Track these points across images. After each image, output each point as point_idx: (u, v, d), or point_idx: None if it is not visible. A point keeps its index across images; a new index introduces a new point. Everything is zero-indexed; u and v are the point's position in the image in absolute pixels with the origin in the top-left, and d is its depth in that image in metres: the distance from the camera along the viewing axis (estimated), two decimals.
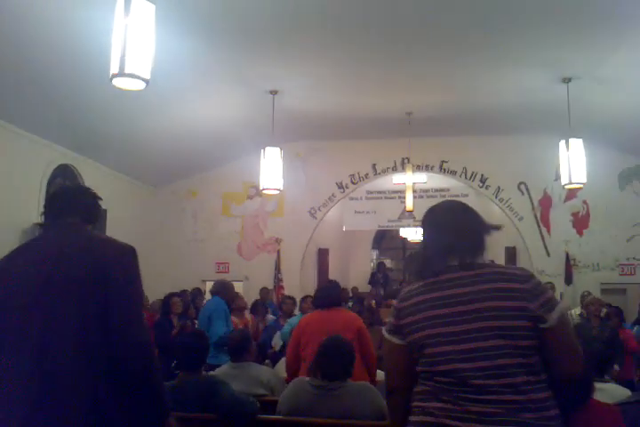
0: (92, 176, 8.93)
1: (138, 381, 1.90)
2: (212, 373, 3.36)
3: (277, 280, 10.42)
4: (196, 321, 7.41)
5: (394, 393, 2.04)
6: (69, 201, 2.21)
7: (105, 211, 8.85)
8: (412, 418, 1.90)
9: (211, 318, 5.75)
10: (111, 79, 3.98)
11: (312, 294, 9.27)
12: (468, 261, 1.95)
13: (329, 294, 4.47)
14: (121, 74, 3.92)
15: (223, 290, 6.05)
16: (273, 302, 9.28)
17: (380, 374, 4.68)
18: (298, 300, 8.47)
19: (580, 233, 9.95)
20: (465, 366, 1.80)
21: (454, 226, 2.03)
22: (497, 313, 1.82)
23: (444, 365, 1.84)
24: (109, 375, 1.87)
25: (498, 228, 2.08)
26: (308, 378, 3.11)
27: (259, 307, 7.85)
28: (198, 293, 8.84)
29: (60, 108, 6.97)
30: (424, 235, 2.12)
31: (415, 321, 1.93)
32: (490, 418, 1.74)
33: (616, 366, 6.02)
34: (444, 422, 1.80)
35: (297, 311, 7.48)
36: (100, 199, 2.33)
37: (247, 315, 7.29)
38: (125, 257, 2.03)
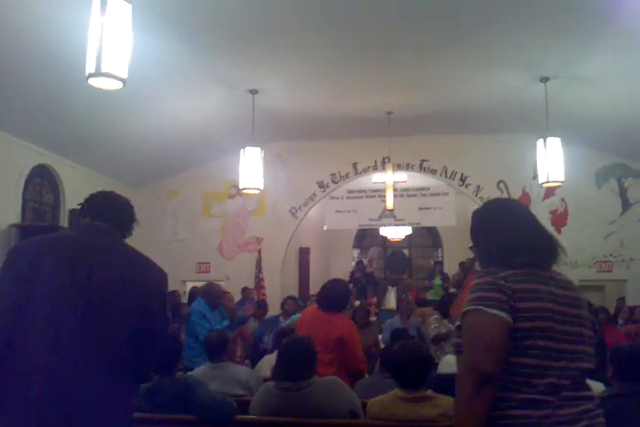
0: (71, 177, 8.85)
1: None
2: (189, 373, 3.35)
3: (258, 280, 10.40)
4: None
5: (489, 383, 1.75)
6: (105, 204, 2.27)
7: None
8: (509, 412, 1.78)
9: (189, 321, 5.75)
10: (87, 79, 3.94)
11: (292, 294, 9.29)
12: (550, 264, 2.00)
13: (334, 298, 4.18)
14: (97, 73, 3.88)
15: (206, 292, 6.02)
16: (253, 302, 9.26)
17: None
18: (279, 299, 8.49)
19: (558, 231, 10.05)
20: (572, 365, 1.85)
21: (537, 222, 2.07)
22: (584, 321, 1.93)
23: (557, 362, 1.83)
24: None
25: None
26: (273, 382, 3.11)
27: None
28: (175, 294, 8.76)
29: (37, 108, 6.90)
30: (502, 223, 2.03)
31: (537, 308, 1.84)
32: (591, 413, 1.84)
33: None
34: (551, 413, 1.78)
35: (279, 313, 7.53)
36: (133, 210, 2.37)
37: None
38: (164, 283, 2.21)
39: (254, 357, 6.48)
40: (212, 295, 5.93)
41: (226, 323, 5.76)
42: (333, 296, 4.19)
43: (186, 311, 7.27)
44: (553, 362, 1.80)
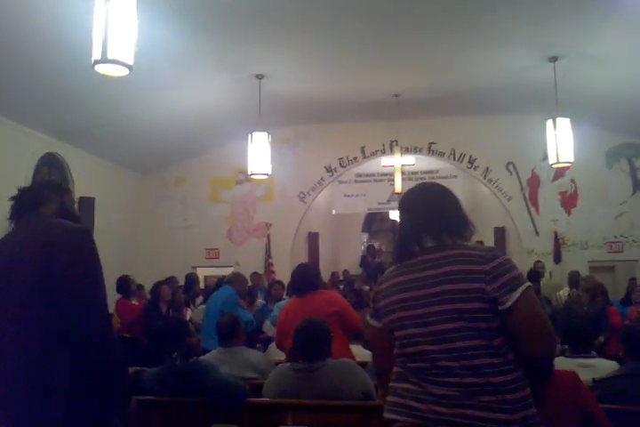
0: (79, 165, 8.87)
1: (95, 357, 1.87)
2: (201, 357, 3.38)
3: (268, 265, 10.45)
4: (190, 309, 7.41)
5: (380, 375, 2.13)
6: (29, 198, 2.17)
7: (92, 199, 8.81)
8: (387, 398, 1.96)
9: (223, 308, 5.60)
10: (93, 65, 3.94)
11: (281, 280, 9.32)
12: (441, 243, 1.95)
13: (303, 280, 4.31)
14: (103, 60, 3.89)
15: (235, 280, 6.07)
16: (265, 287, 9.30)
17: (368, 355, 4.71)
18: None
19: (568, 212, 10.01)
20: (431, 348, 1.83)
21: (428, 206, 2.04)
22: (455, 296, 1.82)
23: (412, 347, 1.88)
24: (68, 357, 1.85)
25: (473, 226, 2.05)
26: (288, 364, 3.15)
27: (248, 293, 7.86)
28: (194, 278, 8.78)
29: (44, 97, 6.90)
30: (400, 217, 2.13)
31: (387, 304, 1.98)
32: (447, 401, 1.77)
33: (601, 338, 6.11)
34: (408, 403, 1.84)
35: (286, 296, 7.50)
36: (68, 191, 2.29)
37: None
38: (73, 239, 1.96)
39: (252, 346, 6.48)
40: (241, 285, 6.07)
41: (249, 317, 5.84)
42: (304, 280, 4.30)
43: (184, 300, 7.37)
44: (414, 348, 1.87)
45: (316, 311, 3.83)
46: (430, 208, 2.03)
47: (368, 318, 2.10)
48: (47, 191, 2.19)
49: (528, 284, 1.86)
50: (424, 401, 1.81)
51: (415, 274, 1.93)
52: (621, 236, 9.82)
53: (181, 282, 8.22)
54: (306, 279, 4.30)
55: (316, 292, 4.27)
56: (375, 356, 2.18)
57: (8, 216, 2.17)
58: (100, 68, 4.01)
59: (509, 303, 1.79)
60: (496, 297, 1.80)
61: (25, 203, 2.15)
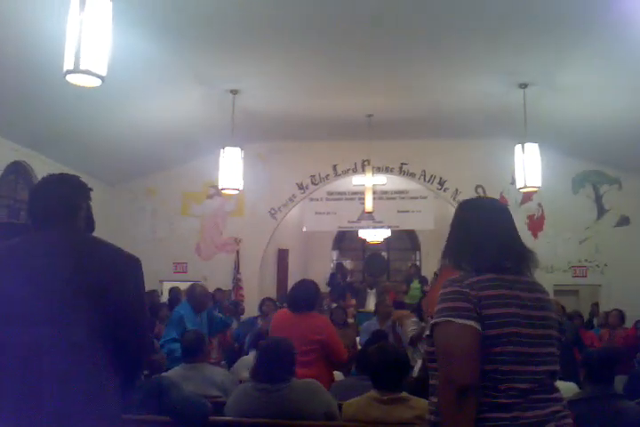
0: (46, 173, 8.72)
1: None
2: (163, 374, 3.32)
3: (236, 280, 10.36)
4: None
5: (468, 392, 1.77)
6: (64, 208, 2.14)
7: None
8: (481, 415, 1.79)
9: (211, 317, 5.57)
10: (65, 75, 3.90)
11: (271, 295, 9.27)
12: (521, 268, 2.03)
13: (302, 298, 4.21)
14: (76, 70, 3.85)
15: (189, 294, 5.70)
16: (228, 303, 9.20)
17: (337, 375, 4.69)
18: (257, 301, 8.46)
19: (534, 236, 10.15)
20: (539, 369, 1.88)
21: (511, 226, 2.11)
22: (551, 323, 1.97)
23: (525, 366, 1.85)
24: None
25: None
26: (251, 383, 3.11)
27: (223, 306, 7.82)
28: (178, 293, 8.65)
29: (13, 104, 6.80)
30: (473, 225, 2.08)
31: (503, 314, 1.86)
32: (558, 414, 1.87)
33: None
34: (520, 415, 1.81)
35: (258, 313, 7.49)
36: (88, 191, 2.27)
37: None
38: (137, 269, 2.07)
39: (232, 359, 6.44)
40: (195, 297, 5.57)
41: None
42: (303, 297, 4.22)
43: (165, 313, 7.19)
44: (521, 367, 1.83)
45: (301, 336, 3.79)
46: (510, 225, 2.12)
47: (465, 321, 1.82)
48: (80, 200, 2.19)
49: None
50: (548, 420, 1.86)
51: (523, 293, 1.95)
52: (586, 260, 9.98)
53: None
54: (305, 298, 4.21)
55: (309, 313, 4.17)
56: (464, 368, 1.78)
57: (30, 221, 2.17)
58: (71, 79, 3.97)
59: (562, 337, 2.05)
60: (562, 329, 2.05)
61: (58, 212, 2.12)
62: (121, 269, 2.01)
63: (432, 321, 1.91)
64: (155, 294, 7.80)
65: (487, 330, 1.82)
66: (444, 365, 1.83)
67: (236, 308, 8.00)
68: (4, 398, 1.82)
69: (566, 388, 3.39)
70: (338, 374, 4.81)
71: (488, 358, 1.82)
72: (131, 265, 2.06)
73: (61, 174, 2.26)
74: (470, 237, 2.04)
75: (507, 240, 2.04)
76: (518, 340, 1.84)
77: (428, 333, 1.98)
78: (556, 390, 1.94)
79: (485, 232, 2.03)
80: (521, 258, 2.03)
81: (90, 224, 2.22)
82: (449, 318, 1.84)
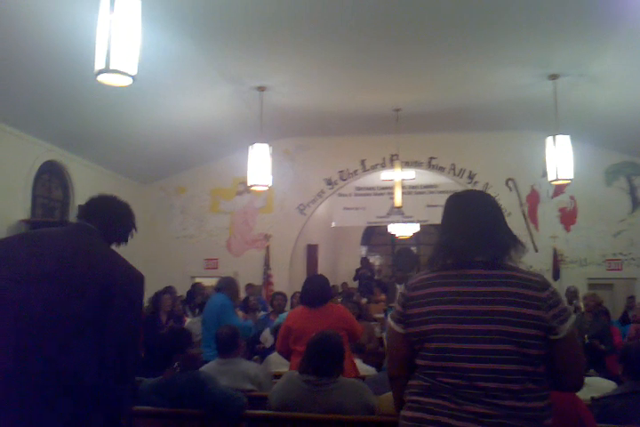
0: (80, 173, 8.89)
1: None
2: (200, 368, 3.36)
3: (267, 276, 10.43)
4: (188, 318, 7.39)
5: (393, 380, 2.05)
6: (97, 207, 2.20)
7: None
8: (407, 413, 1.87)
9: (220, 316, 5.54)
10: (96, 75, 3.96)
11: (282, 291, 9.30)
12: (494, 261, 1.89)
13: (317, 292, 4.34)
14: (107, 70, 3.90)
15: (227, 287, 5.88)
16: (262, 299, 9.28)
17: (366, 370, 4.70)
18: (288, 296, 8.48)
19: (567, 229, 10.01)
20: (469, 365, 1.78)
21: (481, 217, 1.96)
22: (511, 319, 1.78)
23: (447, 362, 1.81)
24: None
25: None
26: (297, 373, 3.11)
27: (249, 303, 7.82)
28: (198, 289, 8.72)
29: (46, 105, 6.93)
30: (447, 222, 2.03)
31: (422, 313, 1.88)
32: (487, 420, 1.73)
33: (603, 347, 6.05)
34: (442, 420, 1.77)
35: (288, 307, 7.46)
36: (132, 217, 2.30)
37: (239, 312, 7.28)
38: (134, 285, 2.01)
39: (250, 357, 6.44)
40: (232, 288, 5.82)
41: (248, 323, 5.74)
42: (318, 292, 4.35)
43: (179, 307, 7.27)
44: (447, 363, 1.81)
45: (331, 325, 3.87)
46: (483, 216, 1.96)
47: (392, 322, 2.00)
48: (122, 225, 2.24)
49: (574, 316, 1.88)
50: (460, 418, 1.75)
51: (463, 287, 1.85)
52: (620, 253, 9.81)
53: (180, 292, 8.19)
54: (321, 292, 4.35)
55: (327, 305, 4.32)
56: (390, 362, 2.06)
57: (78, 215, 2.21)
58: (102, 78, 4.03)
59: (562, 334, 1.80)
60: (552, 326, 1.79)
61: (98, 223, 2.15)
62: (117, 285, 1.95)
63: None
64: (171, 289, 7.86)
65: (411, 328, 1.91)
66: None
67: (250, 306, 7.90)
68: None
69: (605, 385, 3.35)
70: (370, 369, 4.82)
71: (422, 354, 1.87)
72: (126, 281, 2.00)
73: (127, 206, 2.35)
74: (440, 236, 2.01)
75: (478, 234, 1.91)
76: (445, 336, 1.81)
77: None
78: (512, 393, 1.75)
79: (454, 229, 1.98)
80: (497, 250, 1.90)
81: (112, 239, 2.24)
82: (388, 319, 2.09)
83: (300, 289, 9.44)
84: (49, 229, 2.16)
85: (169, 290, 7.57)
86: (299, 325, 4.22)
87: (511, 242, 1.93)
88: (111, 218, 2.20)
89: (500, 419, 1.72)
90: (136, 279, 2.03)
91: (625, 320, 8.51)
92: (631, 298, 9.52)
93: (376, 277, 14.05)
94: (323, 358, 3.01)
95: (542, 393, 1.79)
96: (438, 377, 1.82)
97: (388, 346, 2.11)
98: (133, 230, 2.28)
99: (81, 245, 2.03)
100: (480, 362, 1.76)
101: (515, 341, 1.76)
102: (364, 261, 14.49)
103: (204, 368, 3.55)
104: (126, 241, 2.26)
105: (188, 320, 7.19)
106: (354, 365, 4.26)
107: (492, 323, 1.78)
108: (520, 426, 1.72)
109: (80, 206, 2.28)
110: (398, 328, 1.96)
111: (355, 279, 13.75)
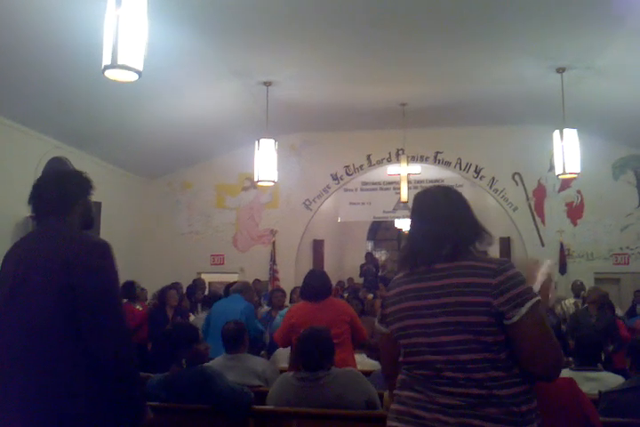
0: (86, 168, 8.74)
1: (112, 376, 1.90)
2: (207, 364, 3.37)
3: (273, 272, 10.44)
4: (193, 315, 7.38)
5: (387, 379, 2.17)
6: (59, 202, 2.14)
7: (99, 204, 8.83)
8: (392, 406, 1.94)
9: (246, 318, 5.54)
10: (103, 71, 3.95)
11: (282, 287, 9.30)
12: (450, 253, 1.89)
13: (318, 286, 4.40)
14: (113, 65, 3.89)
15: (246, 290, 6.02)
16: (268, 294, 9.29)
17: (371, 364, 4.71)
18: (288, 291, 8.48)
19: (574, 223, 9.98)
20: (435, 358, 1.82)
21: (438, 210, 1.97)
22: (460, 308, 1.79)
23: (417, 356, 1.87)
24: (84, 370, 1.88)
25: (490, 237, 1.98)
26: (291, 373, 3.14)
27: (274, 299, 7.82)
28: (199, 284, 8.75)
29: (52, 100, 6.93)
30: (411, 223, 2.06)
31: (395, 311, 1.95)
32: (453, 410, 1.76)
33: (611, 347, 6.04)
34: (413, 411, 1.83)
35: (288, 303, 7.47)
36: (89, 185, 2.24)
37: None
38: (93, 256, 1.97)
39: (254, 353, 6.44)
40: (253, 296, 6.05)
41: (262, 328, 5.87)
42: (320, 286, 4.41)
43: (186, 304, 7.29)
44: (418, 357, 1.87)
45: (334, 319, 3.89)
46: (441, 212, 1.96)
47: (376, 323, 2.12)
48: (78, 197, 2.17)
49: (537, 299, 1.80)
50: (429, 410, 1.79)
51: (423, 283, 1.89)
52: (627, 248, 9.78)
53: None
54: (322, 286, 4.41)
55: (329, 299, 4.36)
56: (382, 361, 2.22)
57: (32, 214, 2.18)
58: (109, 74, 4.02)
59: (515, 319, 1.75)
60: (503, 311, 1.76)
61: (55, 206, 2.12)
62: (81, 263, 1.93)
63: None
64: (177, 285, 7.88)
65: (390, 326, 1.99)
66: None
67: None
68: None
69: (614, 379, 3.34)
70: (374, 364, 4.83)
71: (402, 351, 1.95)
72: (93, 256, 1.97)
73: (61, 170, 2.33)
74: (407, 237, 2.05)
75: (438, 232, 1.92)
76: (412, 332, 1.88)
77: None
78: (472, 382, 1.77)
79: (411, 229, 2.04)
80: (459, 244, 1.90)
81: (87, 221, 2.20)
82: (375, 323, 2.15)
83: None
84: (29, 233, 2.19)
85: (175, 286, 7.59)
86: (301, 319, 4.24)
87: (473, 234, 1.94)
88: (51, 194, 2.15)
89: (466, 409, 1.74)
90: (94, 246, 2.00)
91: (632, 314, 8.50)
92: (638, 292, 9.49)
93: (380, 273, 14.04)
94: (312, 352, 3.03)
95: (510, 380, 1.77)
96: (412, 370, 1.89)
97: (379, 347, 2.23)
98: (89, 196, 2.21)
99: (45, 245, 2.04)
100: (443, 354, 1.80)
101: (470, 330, 1.77)
102: (369, 256, 14.48)
103: (211, 364, 3.56)
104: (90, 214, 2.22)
105: (192, 318, 7.19)
106: (353, 359, 4.28)
107: (448, 315, 1.80)
108: (488, 414, 1.73)
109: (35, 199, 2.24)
110: (381, 328, 2.08)
111: (360, 276, 13.76)
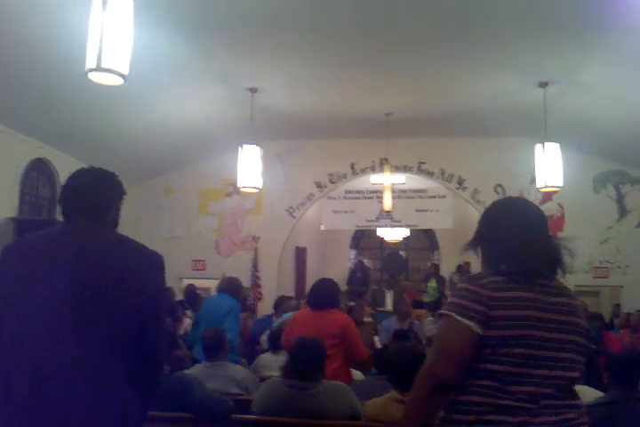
0: (68, 171, 8.73)
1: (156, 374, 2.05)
2: (185, 371, 3.33)
3: (255, 278, 10.40)
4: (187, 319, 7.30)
5: (443, 387, 1.82)
6: (95, 196, 2.14)
7: None
8: (486, 417, 1.80)
9: (225, 316, 5.32)
10: (87, 74, 3.92)
11: (289, 293, 9.28)
12: (550, 273, 1.97)
13: (325, 295, 4.27)
14: (98, 68, 3.87)
15: (233, 288, 5.73)
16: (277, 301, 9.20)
17: (357, 374, 4.68)
18: (275, 298, 8.46)
19: (554, 236, 10.03)
20: (551, 373, 1.82)
21: (547, 231, 2.07)
22: (574, 328, 1.90)
23: (528, 368, 1.81)
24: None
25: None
26: (280, 378, 3.11)
27: (246, 304, 7.81)
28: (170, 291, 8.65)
29: (35, 102, 6.88)
30: (507, 227, 2.01)
31: (512, 317, 1.83)
32: (573, 422, 1.82)
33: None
34: (528, 420, 1.78)
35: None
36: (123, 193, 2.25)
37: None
38: (160, 269, 2.06)
39: (251, 357, 6.43)
40: (241, 292, 5.81)
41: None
42: (325, 296, 4.28)
43: (181, 312, 7.21)
44: (531, 370, 1.80)
45: (321, 329, 3.83)
46: (546, 230, 2.06)
47: (467, 321, 1.82)
48: (116, 201, 2.19)
49: None
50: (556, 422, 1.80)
51: (543, 296, 1.88)
52: (607, 261, 9.88)
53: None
54: (327, 296, 4.28)
55: (330, 310, 4.23)
56: (450, 363, 1.82)
57: (61, 211, 2.17)
58: (93, 77, 3.99)
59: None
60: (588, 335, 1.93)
61: (97, 208, 2.12)
62: (144, 271, 2.00)
63: (439, 311, 1.97)
64: (171, 290, 7.79)
65: (494, 331, 1.81)
66: (432, 356, 1.87)
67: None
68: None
69: (590, 393, 3.36)
70: (358, 374, 4.81)
71: (495, 359, 1.81)
72: (155, 266, 2.05)
73: (99, 170, 2.30)
74: (512, 242, 1.97)
75: (544, 246, 1.99)
76: (530, 342, 1.80)
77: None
78: (574, 396, 1.88)
79: (510, 238, 1.99)
80: (554, 263, 1.98)
81: (114, 225, 2.22)
82: (450, 313, 1.86)
83: (287, 291, 9.44)
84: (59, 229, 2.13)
85: (167, 290, 7.49)
86: (294, 326, 4.21)
87: (560, 256, 2.01)
88: (103, 202, 2.15)
89: (577, 421, 1.83)
90: (160, 261, 2.09)
91: (610, 327, 8.57)
92: (617, 306, 9.59)
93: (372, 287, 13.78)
94: (304, 362, 3.01)
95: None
96: (525, 385, 1.80)
97: (446, 345, 1.84)
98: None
99: (107, 246, 2.06)
100: (560, 370, 1.84)
101: (574, 349, 1.88)
102: (359, 264, 14.33)
103: (190, 371, 3.52)
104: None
105: (187, 321, 7.12)
106: (348, 371, 4.21)
107: (571, 333, 1.88)
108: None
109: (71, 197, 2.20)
110: (477, 328, 1.82)
111: (347, 284, 13.61)
